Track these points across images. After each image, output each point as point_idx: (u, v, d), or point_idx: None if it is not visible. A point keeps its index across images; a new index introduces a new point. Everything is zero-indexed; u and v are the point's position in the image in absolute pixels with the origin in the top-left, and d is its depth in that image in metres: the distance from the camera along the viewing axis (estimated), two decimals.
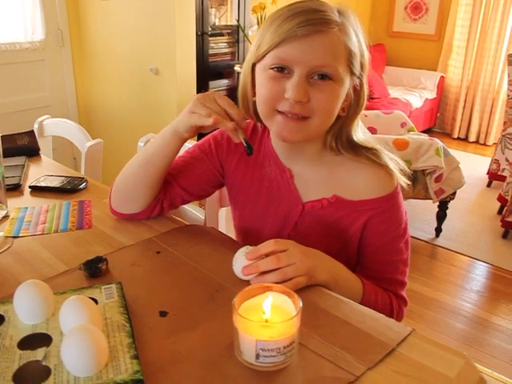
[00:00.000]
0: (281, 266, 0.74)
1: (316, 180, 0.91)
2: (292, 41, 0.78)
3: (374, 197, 0.87)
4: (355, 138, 0.89)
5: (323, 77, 0.79)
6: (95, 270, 0.79)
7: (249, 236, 1.00)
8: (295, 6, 0.80)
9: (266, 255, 0.75)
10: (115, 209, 1.00)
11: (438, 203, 2.78)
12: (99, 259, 0.81)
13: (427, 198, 2.67)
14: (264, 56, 0.82)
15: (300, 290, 0.73)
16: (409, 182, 0.90)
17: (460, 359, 0.62)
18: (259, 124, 0.96)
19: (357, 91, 0.86)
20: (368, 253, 0.92)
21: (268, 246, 0.76)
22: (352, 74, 0.83)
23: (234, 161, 0.97)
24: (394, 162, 0.89)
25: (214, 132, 0.98)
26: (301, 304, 0.60)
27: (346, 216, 0.89)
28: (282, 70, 0.81)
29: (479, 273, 2.56)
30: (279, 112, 0.82)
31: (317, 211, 0.90)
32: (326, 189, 0.90)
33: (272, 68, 0.81)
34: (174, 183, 0.97)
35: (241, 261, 0.77)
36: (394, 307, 0.89)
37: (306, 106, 0.80)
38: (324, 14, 0.78)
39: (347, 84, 0.83)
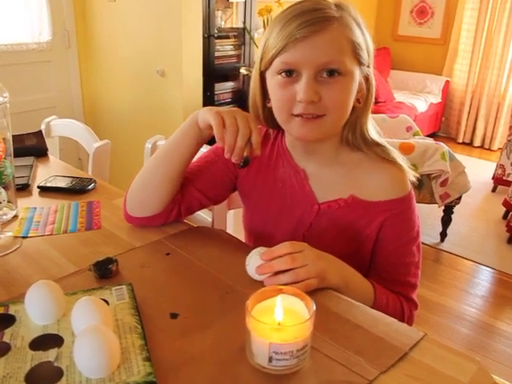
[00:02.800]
0: (295, 266, 0.74)
1: (332, 180, 0.91)
2: (294, 44, 0.79)
3: (390, 198, 0.88)
4: (367, 132, 0.89)
5: (331, 73, 0.80)
6: (105, 271, 0.79)
7: (261, 238, 1.00)
8: (293, 8, 0.81)
9: (280, 257, 0.75)
10: (130, 213, 0.96)
11: (443, 208, 2.77)
12: (109, 260, 0.81)
13: (432, 202, 2.66)
14: (271, 63, 0.83)
15: (312, 294, 0.72)
16: (417, 175, 0.91)
17: (473, 364, 0.62)
18: (271, 130, 0.97)
19: (368, 81, 0.87)
20: (382, 255, 0.92)
21: (284, 247, 0.76)
22: (361, 64, 0.83)
23: None
24: (401, 158, 0.90)
25: None
26: (314, 307, 0.59)
27: (362, 217, 0.89)
28: (290, 74, 0.81)
29: (484, 278, 2.55)
30: (295, 115, 0.83)
31: (333, 211, 0.90)
32: (343, 189, 0.90)
33: (280, 73, 0.82)
34: (192, 187, 0.96)
35: (254, 261, 0.77)
36: (404, 311, 0.89)
37: (319, 105, 0.81)
38: (321, 11, 0.79)
39: (357, 75, 0.83)
